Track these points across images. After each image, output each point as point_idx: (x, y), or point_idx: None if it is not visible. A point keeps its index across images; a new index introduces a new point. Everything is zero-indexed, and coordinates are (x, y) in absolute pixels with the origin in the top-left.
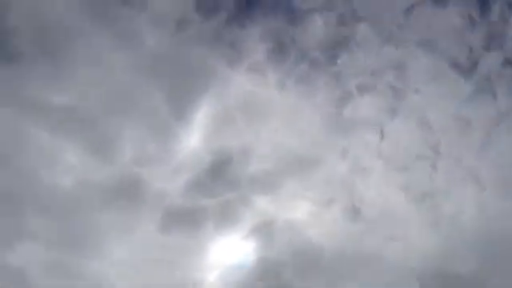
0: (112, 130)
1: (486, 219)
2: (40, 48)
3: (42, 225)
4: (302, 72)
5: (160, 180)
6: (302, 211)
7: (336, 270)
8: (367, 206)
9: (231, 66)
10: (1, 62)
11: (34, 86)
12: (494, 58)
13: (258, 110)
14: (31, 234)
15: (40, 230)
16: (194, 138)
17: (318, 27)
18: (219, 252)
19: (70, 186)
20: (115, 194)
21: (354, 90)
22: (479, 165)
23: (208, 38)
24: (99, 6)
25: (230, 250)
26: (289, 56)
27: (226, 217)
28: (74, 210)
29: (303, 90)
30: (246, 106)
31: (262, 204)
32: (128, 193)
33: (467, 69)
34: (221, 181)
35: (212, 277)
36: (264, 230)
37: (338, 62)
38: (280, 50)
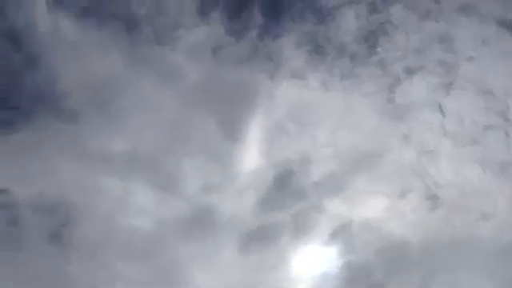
0: (174, 165)
1: None
2: (94, 104)
3: (127, 267)
4: (344, 68)
5: (230, 203)
6: (377, 207)
7: (427, 262)
8: (445, 189)
9: (272, 78)
10: (61, 122)
11: (95, 139)
12: None
13: (308, 115)
14: (118, 277)
15: (126, 272)
16: (252, 157)
17: (350, 21)
18: (302, 263)
19: (146, 225)
20: (190, 226)
21: (401, 73)
22: None
23: (245, 56)
24: (137, 52)
25: (313, 259)
26: (327, 55)
27: (301, 227)
28: (154, 248)
29: (349, 85)
30: (296, 114)
31: (334, 207)
32: (202, 222)
33: None
34: (287, 193)
35: None
36: (343, 234)
37: (378, 49)
38: (317, 51)
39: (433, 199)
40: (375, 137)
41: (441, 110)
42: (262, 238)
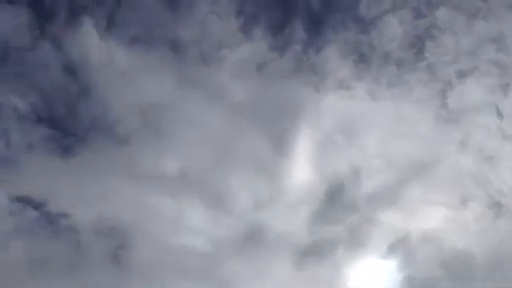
0: (225, 183)
1: None
2: (145, 127)
3: (183, 286)
4: (391, 75)
5: (281, 219)
6: (436, 218)
7: (495, 275)
8: (509, 196)
9: (318, 90)
10: (114, 146)
11: (147, 160)
12: None
13: (356, 126)
14: None
15: None
16: (302, 170)
17: (394, 27)
18: (359, 277)
19: (199, 245)
20: (243, 243)
21: (452, 77)
22: None
23: (289, 70)
24: (185, 74)
25: (371, 273)
26: (373, 64)
27: (356, 240)
28: (208, 267)
29: (397, 92)
30: (344, 125)
31: (390, 219)
32: (255, 239)
33: None
34: (340, 206)
35: None
36: (401, 246)
37: (426, 54)
38: (362, 60)
39: (496, 207)
40: (429, 144)
41: (498, 112)
42: (315, 252)
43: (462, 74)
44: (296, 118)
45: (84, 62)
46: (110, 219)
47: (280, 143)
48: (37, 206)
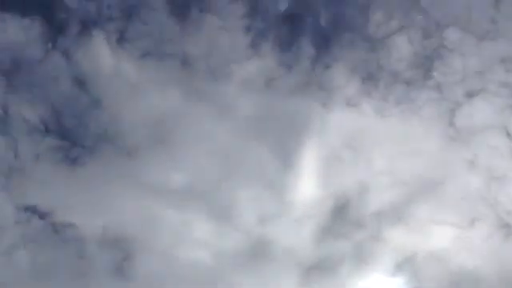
0: (231, 197)
1: None
2: (153, 140)
3: None
4: (399, 94)
5: (287, 234)
6: (444, 237)
7: None
8: None
9: (326, 107)
10: (122, 157)
11: (154, 173)
12: None
13: (364, 143)
14: None
15: None
16: (309, 186)
17: (402, 47)
18: None
19: (205, 258)
20: (248, 258)
21: (460, 97)
22: None
23: (297, 86)
24: (193, 88)
25: None
26: (381, 82)
27: (362, 258)
28: (213, 281)
29: (405, 110)
30: (351, 142)
31: (397, 237)
32: (260, 253)
33: None
34: (347, 222)
35: None
36: (408, 265)
37: (434, 74)
38: (370, 78)
39: (506, 228)
40: (437, 163)
41: (508, 133)
42: (321, 269)
43: (470, 94)
44: (304, 134)
45: (95, 74)
46: (115, 230)
47: (287, 158)
48: (43, 215)
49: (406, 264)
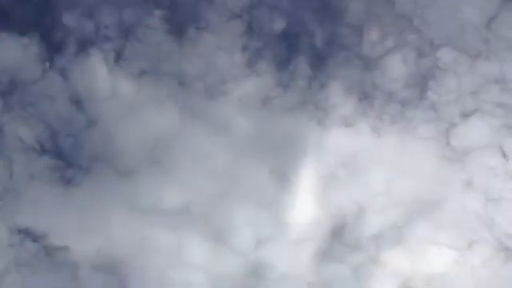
0: (227, 219)
1: None
2: (148, 160)
3: None
4: (394, 114)
5: (285, 257)
6: (442, 260)
7: None
8: None
9: (322, 126)
10: (117, 178)
11: (149, 194)
12: None
13: (360, 163)
14: None
15: None
16: (305, 207)
17: (396, 67)
18: None
19: (200, 281)
20: (246, 280)
21: (456, 117)
22: None
23: (293, 106)
24: (189, 107)
25: None
26: (376, 102)
27: (361, 281)
28: None
29: (401, 130)
30: (348, 162)
31: (394, 259)
32: (257, 276)
33: None
34: (344, 245)
35: None
36: None
37: (429, 93)
38: (366, 97)
39: (505, 251)
40: (434, 183)
41: (503, 153)
42: None
43: (465, 114)
44: (300, 153)
45: (91, 93)
46: (109, 253)
47: (283, 178)
48: (36, 238)
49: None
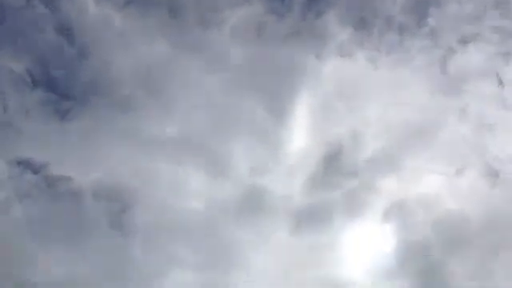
0: (224, 148)
1: None
2: (144, 90)
3: (182, 249)
4: (392, 42)
5: (280, 184)
6: (432, 185)
7: (488, 240)
8: (506, 164)
9: (318, 56)
10: (112, 109)
11: (147, 124)
12: None
13: (356, 92)
14: (177, 260)
15: (183, 255)
16: (301, 136)
17: None
18: (356, 242)
19: (199, 208)
20: (242, 207)
21: (454, 44)
22: None
23: (288, 34)
24: (183, 37)
25: (367, 238)
26: (374, 29)
27: (353, 206)
28: (209, 230)
29: (398, 59)
30: (343, 91)
31: (387, 185)
32: (253, 203)
33: None
34: (338, 171)
35: (353, 269)
36: (397, 212)
37: (429, 20)
38: (363, 25)
39: (493, 175)
40: (428, 111)
41: (499, 80)
42: (313, 217)
43: (464, 41)
44: (296, 84)
45: (80, 24)
46: (110, 182)
47: (279, 108)
48: (36, 169)
49: (395, 210)
